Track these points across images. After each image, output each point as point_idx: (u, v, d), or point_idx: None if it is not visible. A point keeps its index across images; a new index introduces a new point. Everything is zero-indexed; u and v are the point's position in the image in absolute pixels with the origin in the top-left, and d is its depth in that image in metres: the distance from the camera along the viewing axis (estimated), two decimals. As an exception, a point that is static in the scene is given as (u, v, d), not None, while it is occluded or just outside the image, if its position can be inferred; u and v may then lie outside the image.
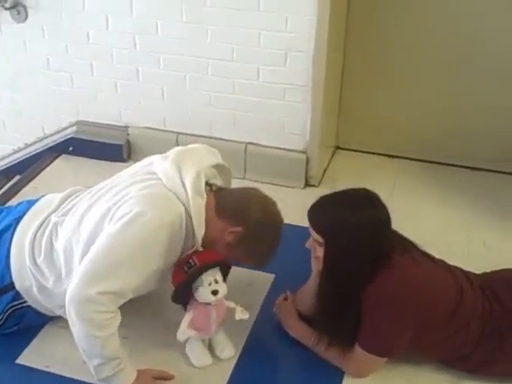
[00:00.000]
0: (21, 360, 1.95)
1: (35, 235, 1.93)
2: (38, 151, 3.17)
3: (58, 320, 1.99)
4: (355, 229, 1.73)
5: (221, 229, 1.87)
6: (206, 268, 1.85)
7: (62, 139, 3.15)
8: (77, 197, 2.01)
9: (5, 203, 2.68)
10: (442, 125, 3.03)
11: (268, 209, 1.93)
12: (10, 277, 1.92)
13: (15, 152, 3.22)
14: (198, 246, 1.87)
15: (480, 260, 2.31)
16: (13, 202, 2.70)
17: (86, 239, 1.82)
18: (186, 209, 1.81)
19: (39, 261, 1.89)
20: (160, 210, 1.78)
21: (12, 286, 1.92)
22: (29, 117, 3.23)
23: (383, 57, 2.95)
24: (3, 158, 3.22)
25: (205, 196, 1.86)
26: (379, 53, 2.95)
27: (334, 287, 1.80)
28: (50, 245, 1.90)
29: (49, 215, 1.97)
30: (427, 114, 3.03)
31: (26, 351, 1.98)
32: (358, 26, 2.90)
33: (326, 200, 1.82)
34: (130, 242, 1.73)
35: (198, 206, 1.82)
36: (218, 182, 2.02)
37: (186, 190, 1.82)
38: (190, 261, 1.86)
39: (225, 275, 1.94)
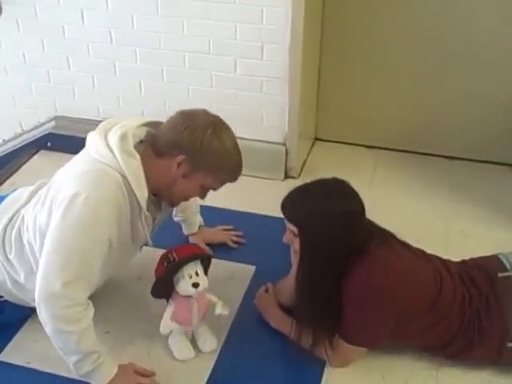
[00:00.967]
0: (2, 357, 1.95)
1: (5, 230, 1.91)
2: (16, 147, 3.14)
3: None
4: (327, 218, 1.74)
5: (168, 167, 1.79)
6: (184, 262, 1.85)
7: (40, 135, 3.13)
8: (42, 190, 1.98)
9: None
10: (419, 115, 3.05)
11: (198, 121, 1.80)
12: None
13: (-7, 148, 3.20)
14: (144, 209, 1.79)
15: (458, 248, 2.34)
16: (-9, 198, 2.69)
17: (41, 231, 1.78)
18: (122, 176, 1.73)
19: (11, 257, 1.88)
20: (95, 186, 1.71)
21: None
22: (6, 113, 3.20)
23: (360, 48, 2.96)
24: (-19, 155, 3.20)
25: (137, 154, 1.76)
26: (356, 44, 2.96)
27: (312, 277, 1.80)
28: (19, 239, 1.88)
29: (19, 209, 1.94)
30: (405, 104, 3.05)
31: (7, 348, 1.98)
32: (334, 17, 2.90)
33: (297, 191, 1.82)
34: (74, 228, 1.69)
35: (133, 167, 1.74)
36: None
37: (115, 155, 1.74)
38: (169, 256, 1.86)
39: (206, 268, 1.94)
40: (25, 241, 1.87)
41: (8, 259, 1.89)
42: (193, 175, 1.81)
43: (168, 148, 1.79)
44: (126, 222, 1.79)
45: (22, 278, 1.87)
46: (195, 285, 1.85)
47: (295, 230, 1.79)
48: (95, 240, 1.72)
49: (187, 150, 1.77)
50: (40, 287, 1.69)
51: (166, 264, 1.86)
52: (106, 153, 1.74)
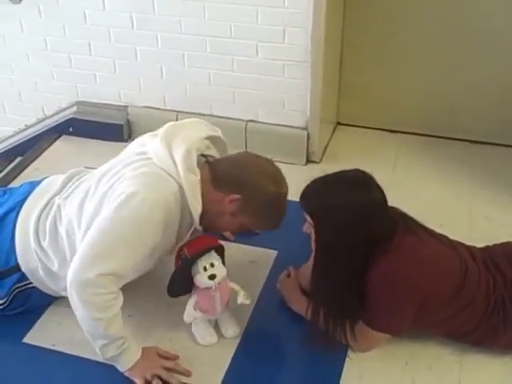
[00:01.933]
0: (27, 339, 1.98)
1: (39, 217, 1.93)
2: (38, 132, 3.17)
3: (64, 299, 1.99)
4: (345, 210, 1.72)
5: (220, 200, 1.85)
6: (196, 258, 1.85)
7: (62, 120, 3.14)
8: (78, 179, 2.01)
9: (6, 185, 2.68)
10: (443, 99, 3.01)
11: (263, 168, 1.89)
12: (15, 258, 1.93)
13: (16, 134, 3.22)
14: (196, 224, 1.87)
15: (481, 234, 2.31)
16: (14, 183, 2.72)
17: (86, 223, 1.82)
18: (179, 186, 1.79)
19: (45, 244, 1.90)
20: (153, 188, 1.77)
21: (17, 267, 1.93)
22: (28, 98, 3.23)
23: (383, 32, 2.93)
24: (4, 140, 3.22)
25: (198, 171, 1.83)
26: (379, 28, 2.92)
27: (326, 268, 1.80)
28: (55, 228, 1.90)
29: (52, 197, 1.97)
30: (427, 88, 3.01)
31: (33, 330, 2.00)
32: (356, 0, 2.87)
33: (315, 182, 1.80)
34: (125, 223, 1.73)
35: (192, 182, 1.81)
36: (213, 152, 1.99)
37: (177, 167, 1.80)
38: (181, 253, 1.87)
39: (221, 257, 1.93)
40: (61, 230, 1.89)
41: (42, 247, 1.91)
42: (239, 215, 1.88)
43: (228, 183, 1.85)
44: (172, 231, 1.84)
45: (55, 267, 1.90)
46: (212, 276, 1.85)
47: (311, 221, 1.79)
48: (141, 240, 1.76)
49: (247, 192, 1.83)
50: (74, 272, 1.71)
51: (179, 262, 1.89)
52: (171, 165, 1.81)
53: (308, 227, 1.84)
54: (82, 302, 1.71)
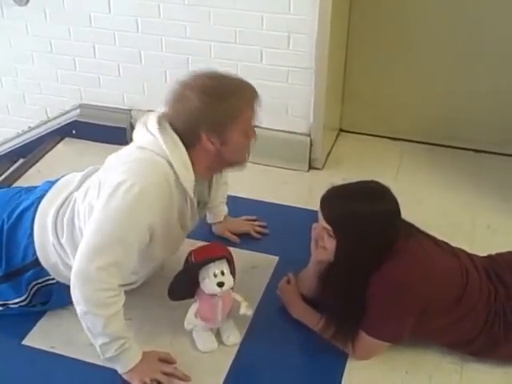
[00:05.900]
0: (27, 341, 1.97)
1: (57, 213, 1.94)
2: (41, 134, 3.17)
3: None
4: (365, 221, 1.72)
5: (204, 151, 1.81)
6: (201, 265, 1.85)
7: (66, 122, 3.15)
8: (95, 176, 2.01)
9: (9, 186, 2.68)
10: (446, 107, 3.01)
11: (186, 96, 1.80)
12: (33, 254, 1.93)
13: (19, 135, 3.22)
14: (190, 194, 1.84)
15: (484, 243, 2.31)
16: (16, 185, 2.71)
17: (88, 217, 1.82)
18: (168, 162, 1.76)
19: (63, 240, 1.91)
20: (139, 173, 1.74)
21: (34, 263, 1.94)
22: (32, 100, 3.23)
23: (387, 40, 2.93)
24: (7, 142, 3.22)
25: (177, 139, 1.79)
26: (383, 36, 2.92)
27: (346, 277, 1.79)
28: (72, 224, 1.91)
29: (70, 194, 1.98)
30: (431, 96, 3.01)
31: (32, 332, 2.00)
32: (361, 8, 2.88)
33: (337, 191, 1.80)
34: (116, 214, 1.72)
35: (180, 157, 1.78)
36: None
37: (158, 140, 1.77)
38: (189, 257, 1.87)
39: (231, 268, 1.92)
40: (76, 226, 1.89)
41: (60, 243, 1.92)
42: (227, 137, 1.81)
43: (190, 136, 1.80)
44: (172, 210, 1.82)
45: (72, 261, 1.88)
46: (220, 284, 1.84)
47: (331, 231, 1.78)
48: (134, 228, 1.75)
49: (204, 126, 1.78)
50: (76, 266, 1.72)
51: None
52: (151, 140, 1.78)
53: (320, 233, 1.83)
54: (83, 297, 1.70)
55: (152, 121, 1.83)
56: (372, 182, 1.81)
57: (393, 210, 1.77)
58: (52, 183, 2.07)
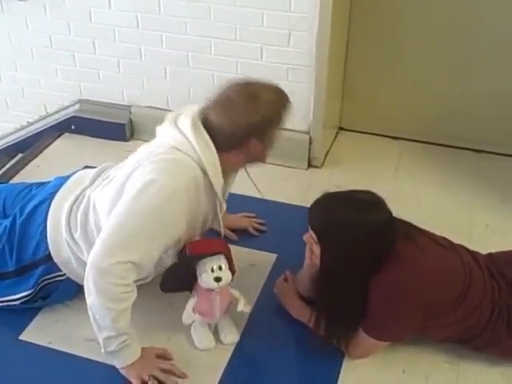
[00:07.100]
0: (24, 336, 1.97)
1: (71, 208, 1.93)
2: (40, 130, 3.17)
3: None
4: (348, 230, 1.71)
5: (240, 153, 1.86)
6: (196, 258, 1.84)
7: (65, 118, 3.14)
8: (108, 172, 2.01)
9: (7, 181, 2.68)
10: (446, 106, 3.01)
11: (237, 104, 1.83)
12: (45, 250, 1.93)
13: (17, 130, 3.22)
14: (220, 198, 1.86)
15: (483, 242, 2.30)
16: (14, 180, 2.71)
17: (107, 212, 1.81)
18: (200, 167, 1.78)
19: (76, 236, 1.91)
20: (172, 175, 1.75)
21: (45, 259, 1.94)
22: (31, 95, 3.22)
23: (387, 38, 2.93)
24: (5, 137, 3.22)
25: (211, 145, 1.80)
26: (384, 34, 2.92)
27: (331, 283, 1.79)
28: (86, 220, 1.90)
29: (83, 190, 1.98)
30: (431, 95, 3.01)
31: (29, 328, 2.00)
32: (362, 6, 2.87)
33: (328, 199, 1.80)
34: (144, 212, 1.72)
35: (212, 162, 1.79)
36: None
37: (191, 143, 1.78)
38: (183, 249, 1.86)
39: (229, 264, 1.91)
40: (91, 222, 1.89)
41: (73, 238, 1.91)
42: (270, 140, 1.90)
43: (235, 139, 1.82)
44: (197, 219, 1.84)
45: (86, 257, 1.88)
46: (217, 279, 1.84)
47: (315, 237, 1.78)
48: (164, 231, 1.75)
49: (257, 133, 1.83)
50: (93, 257, 1.70)
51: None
52: (184, 142, 1.79)
53: (308, 239, 1.84)
54: (97, 289, 1.69)
55: (186, 121, 1.82)
56: (366, 191, 1.80)
57: (381, 221, 1.74)
58: (64, 179, 2.07)
